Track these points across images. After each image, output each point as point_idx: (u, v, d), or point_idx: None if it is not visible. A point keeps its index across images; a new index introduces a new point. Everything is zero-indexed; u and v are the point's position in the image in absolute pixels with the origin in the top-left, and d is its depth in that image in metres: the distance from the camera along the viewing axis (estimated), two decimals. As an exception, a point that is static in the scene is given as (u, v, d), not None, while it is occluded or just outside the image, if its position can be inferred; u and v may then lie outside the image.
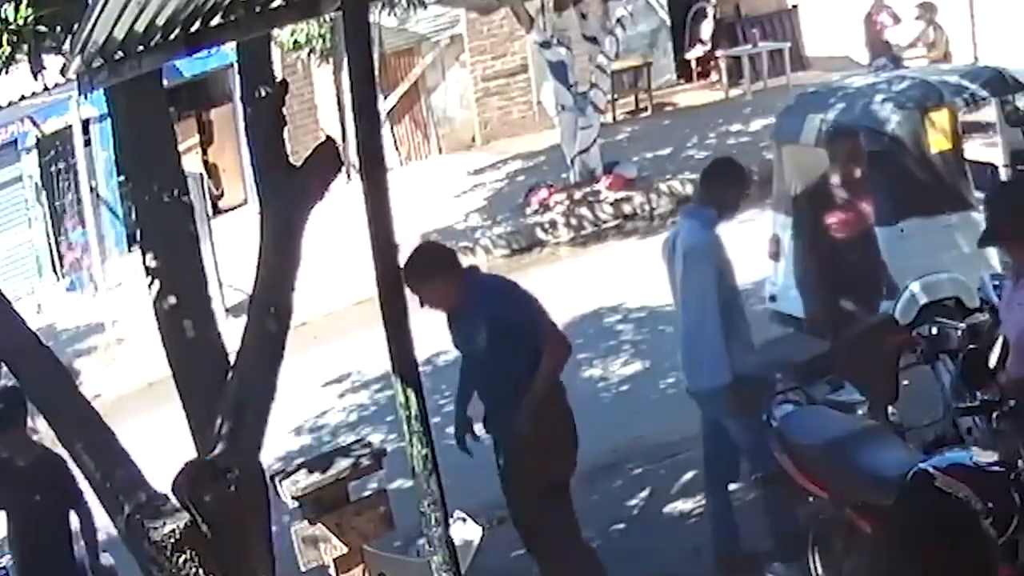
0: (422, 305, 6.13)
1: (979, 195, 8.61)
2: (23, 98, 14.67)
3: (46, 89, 13.28)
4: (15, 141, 16.40)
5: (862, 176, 7.86)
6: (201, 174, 15.75)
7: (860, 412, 6.42)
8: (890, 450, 5.27)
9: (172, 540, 4.78)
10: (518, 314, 6.22)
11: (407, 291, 4.45)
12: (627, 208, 15.53)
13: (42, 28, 5.25)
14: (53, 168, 16.60)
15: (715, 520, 6.76)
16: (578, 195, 15.54)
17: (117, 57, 3.93)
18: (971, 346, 6.26)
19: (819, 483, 5.61)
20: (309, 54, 17.90)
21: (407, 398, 4.01)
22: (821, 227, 7.78)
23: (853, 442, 5.47)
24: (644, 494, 7.79)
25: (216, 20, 3.85)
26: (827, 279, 7.72)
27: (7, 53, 5.39)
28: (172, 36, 3.87)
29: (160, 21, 3.71)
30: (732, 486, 6.81)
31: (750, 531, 6.66)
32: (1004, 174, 9.31)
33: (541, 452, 6.15)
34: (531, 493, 6.27)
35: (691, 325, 6.54)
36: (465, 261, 14.44)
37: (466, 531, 6.00)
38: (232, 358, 5.27)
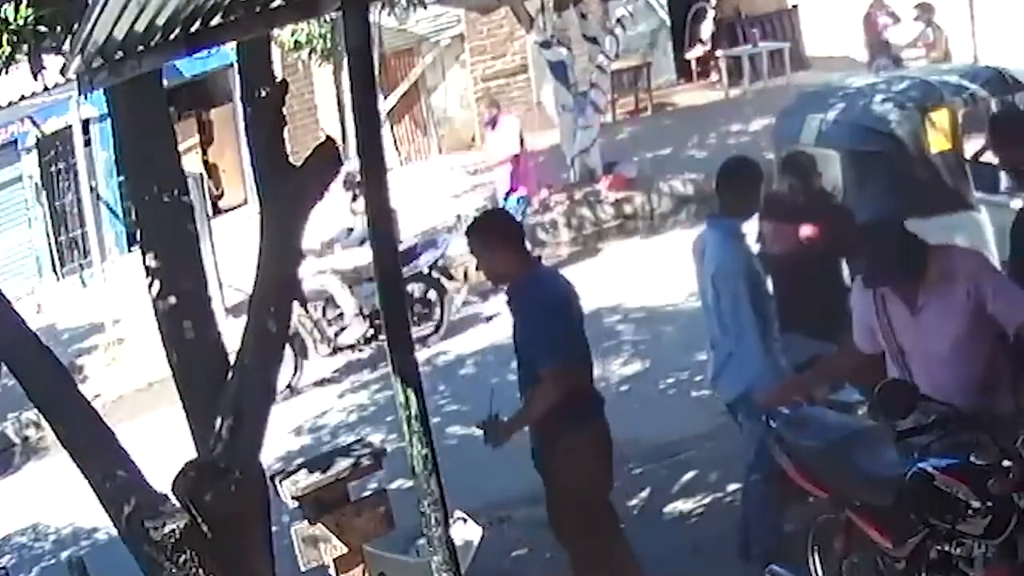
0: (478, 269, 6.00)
1: (979, 195, 8.62)
2: (23, 98, 14.69)
3: (46, 89, 13.33)
4: (15, 141, 16.40)
5: (818, 192, 7.62)
6: (201, 174, 15.76)
7: (860, 412, 6.40)
8: (890, 450, 5.26)
9: (172, 540, 4.78)
10: (548, 319, 6.01)
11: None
12: (627, 208, 15.53)
13: (42, 28, 5.26)
14: (53, 168, 16.61)
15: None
16: (578, 195, 15.53)
17: (117, 57, 3.92)
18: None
19: (819, 483, 5.60)
20: (309, 54, 17.90)
21: (407, 398, 4.01)
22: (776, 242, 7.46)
23: (853, 442, 5.46)
24: (644, 494, 7.79)
25: (216, 20, 3.84)
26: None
27: (7, 53, 5.39)
28: (172, 36, 3.86)
29: (160, 21, 3.71)
30: (732, 486, 6.79)
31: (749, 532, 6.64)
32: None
33: (574, 469, 5.98)
34: (568, 509, 6.15)
35: (729, 340, 6.42)
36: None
37: (466, 531, 5.99)
38: (232, 358, 5.27)
